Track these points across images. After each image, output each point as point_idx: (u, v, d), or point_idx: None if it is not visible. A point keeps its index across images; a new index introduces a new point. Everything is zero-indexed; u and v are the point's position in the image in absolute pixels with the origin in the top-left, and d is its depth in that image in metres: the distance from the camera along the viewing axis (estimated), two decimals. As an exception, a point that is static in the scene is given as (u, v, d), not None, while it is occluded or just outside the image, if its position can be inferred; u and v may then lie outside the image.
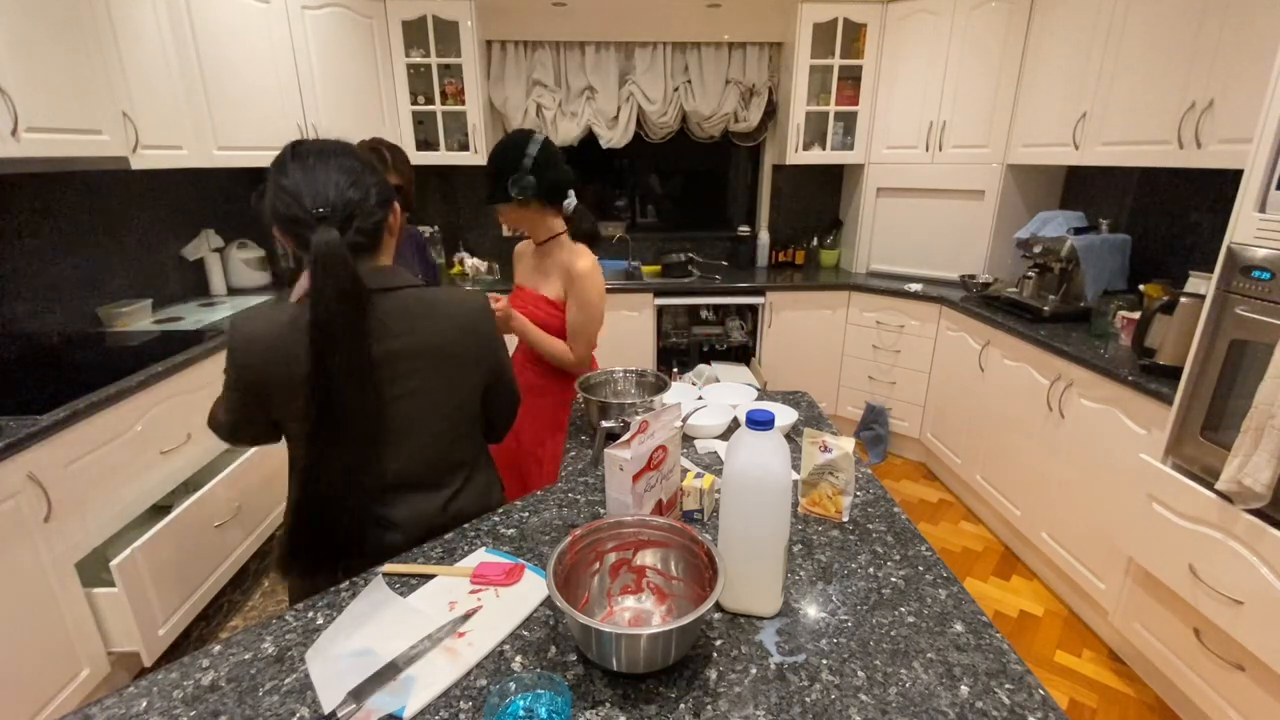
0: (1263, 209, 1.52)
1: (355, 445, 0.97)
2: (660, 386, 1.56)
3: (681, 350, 3.69)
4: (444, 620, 0.86)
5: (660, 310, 3.45)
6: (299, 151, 0.97)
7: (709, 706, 0.73)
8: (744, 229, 3.90)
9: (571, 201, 1.66)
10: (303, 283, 1.09)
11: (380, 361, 0.97)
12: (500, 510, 1.16)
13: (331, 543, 1.00)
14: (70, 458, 1.66)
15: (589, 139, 3.61)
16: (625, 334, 3.41)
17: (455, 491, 1.11)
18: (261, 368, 0.96)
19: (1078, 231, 2.55)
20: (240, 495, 2.24)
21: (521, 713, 0.69)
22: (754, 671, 0.78)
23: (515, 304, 1.70)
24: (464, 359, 1.07)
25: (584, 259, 1.63)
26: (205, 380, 2.17)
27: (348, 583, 0.96)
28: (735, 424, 1.47)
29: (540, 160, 1.56)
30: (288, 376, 0.95)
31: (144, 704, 0.75)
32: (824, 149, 3.49)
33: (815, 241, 3.87)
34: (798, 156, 3.49)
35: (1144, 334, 1.96)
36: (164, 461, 1.98)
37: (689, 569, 0.88)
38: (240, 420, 1.04)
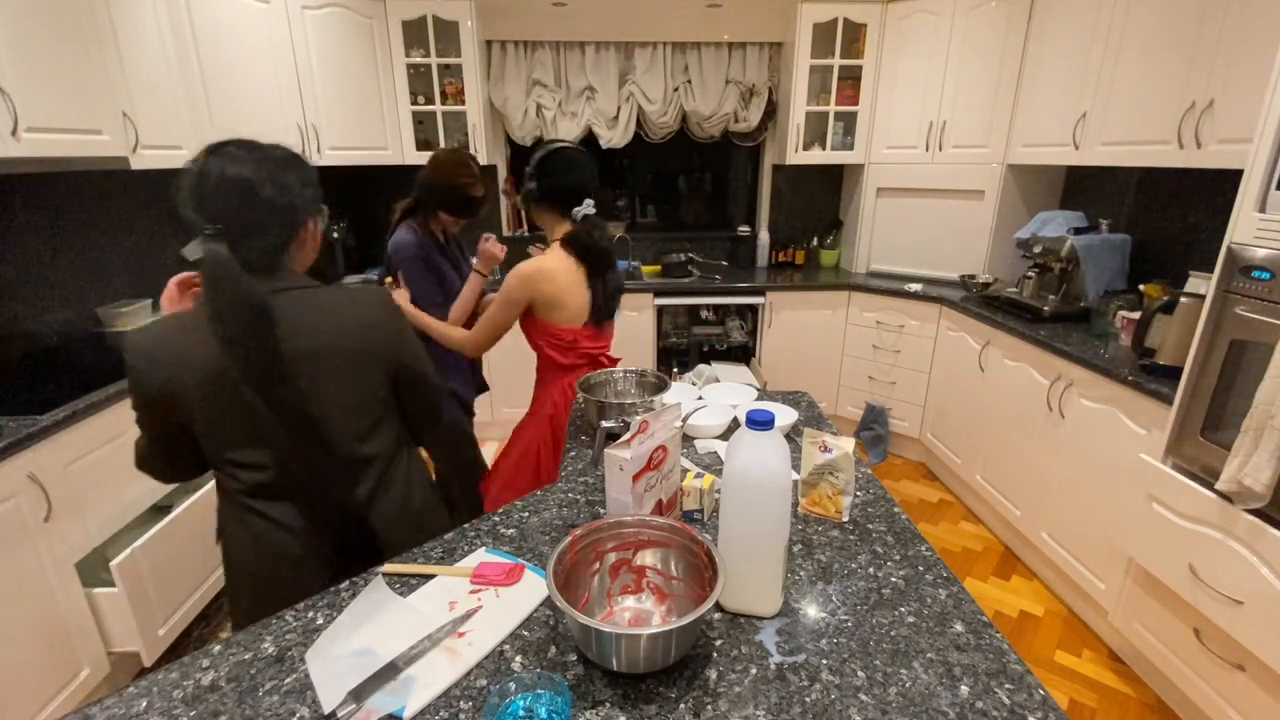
0: (1263, 209, 1.52)
1: (299, 435, 0.97)
2: (660, 386, 1.56)
3: (681, 350, 3.68)
4: (444, 620, 0.86)
5: (660, 310, 3.45)
6: (215, 154, 0.95)
7: (709, 706, 0.73)
8: (744, 229, 3.90)
9: (581, 210, 1.68)
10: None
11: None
12: (500, 510, 1.16)
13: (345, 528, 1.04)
14: (70, 458, 1.66)
15: (589, 139, 3.61)
16: (625, 334, 3.41)
17: (370, 493, 1.07)
18: (163, 378, 0.94)
19: (1078, 231, 2.56)
20: (240, 495, 2.23)
21: (521, 713, 0.69)
22: (754, 671, 0.78)
23: None
24: (363, 357, 1.04)
25: (532, 261, 1.66)
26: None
27: (348, 583, 0.96)
28: (735, 424, 1.47)
29: (542, 169, 1.66)
30: (189, 381, 0.94)
31: (144, 704, 0.75)
32: (824, 149, 3.49)
33: (815, 241, 3.87)
34: (798, 156, 3.49)
35: (1144, 334, 1.96)
36: (164, 461, 1.98)
37: (689, 569, 0.88)
38: (164, 447, 1.01)
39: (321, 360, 1.00)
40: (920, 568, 0.98)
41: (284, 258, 1.01)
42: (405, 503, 1.13)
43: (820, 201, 3.93)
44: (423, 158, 3.31)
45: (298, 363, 0.97)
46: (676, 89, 3.58)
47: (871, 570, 0.98)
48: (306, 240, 1.05)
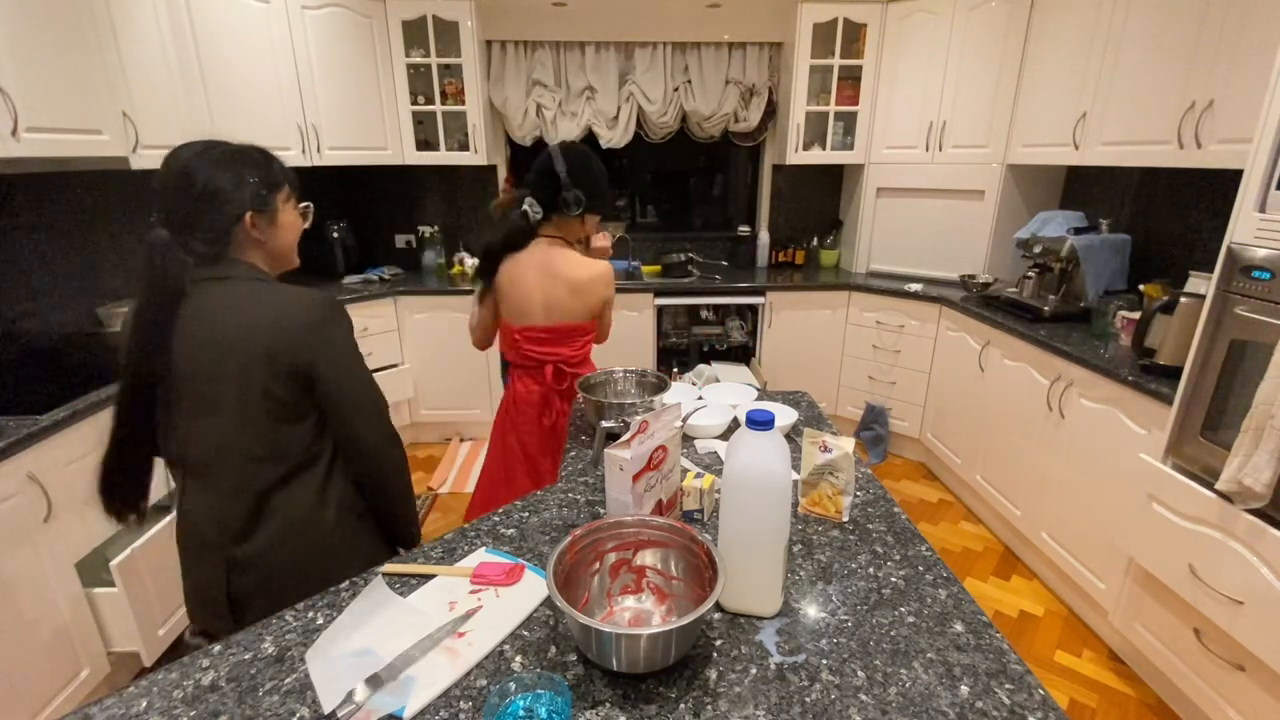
0: (1263, 209, 1.52)
1: (146, 408, 1.03)
2: (660, 386, 1.56)
3: (681, 350, 3.68)
4: (444, 620, 0.86)
5: (660, 310, 3.45)
6: (179, 148, 1.02)
7: (709, 706, 0.73)
8: (744, 229, 3.90)
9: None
10: None
11: (188, 344, 0.99)
12: (500, 510, 1.16)
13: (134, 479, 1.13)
14: (70, 458, 1.66)
15: (589, 139, 3.61)
16: (625, 334, 3.41)
17: (266, 489, 1.05)
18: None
19: (1078, 231, 2.55)
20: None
21: (521, 713, 0.69)
22: (754, 671, 0.78)
23: None
24: (266, 351, 1.00)
25: None
26: (205, 380, 2.16)
27: (348, 583, 0.96)
28: (735, 424, 1.47)
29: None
30: None
31: (144, 704, 0.75)
32: (824, 149, 3.49)
33: (815, 241, 3.87)
34: (798, 156, 3.49)
35: (1144, 334, 1.96)
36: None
37: (689, 569, 0.88)
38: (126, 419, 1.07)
39: (226, 350, 0.99)
40: (920, 568, 0.98)
41: (227, 248, 1.03)
42: (307, 519, 1.09)
43: (820, 201, 3.92)
44: (424, 158, 3.35)
45: (203, 350, 1.00)
46: (676, 89, 3.58)
47: (871, 570, 0.98)
48: (252, 233, 1.04)
